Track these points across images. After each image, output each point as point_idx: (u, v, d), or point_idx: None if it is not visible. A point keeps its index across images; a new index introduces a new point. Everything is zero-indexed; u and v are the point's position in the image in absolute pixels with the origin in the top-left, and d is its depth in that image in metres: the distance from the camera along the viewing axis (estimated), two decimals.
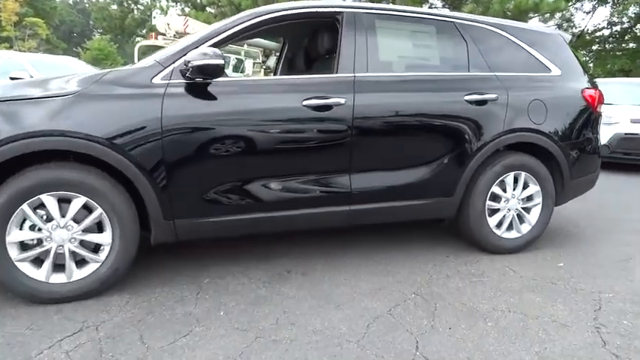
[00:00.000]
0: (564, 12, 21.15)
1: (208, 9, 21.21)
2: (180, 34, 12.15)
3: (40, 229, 2.22)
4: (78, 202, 2.24)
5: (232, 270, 2.77)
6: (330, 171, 2.69)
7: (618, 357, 1.96)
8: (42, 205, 2.21)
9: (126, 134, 2.26)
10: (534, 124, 3.05)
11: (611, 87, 7.13)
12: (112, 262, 2.34)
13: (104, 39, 29.77)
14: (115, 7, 37.13)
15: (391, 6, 3.45)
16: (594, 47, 23.79)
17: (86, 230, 2.30)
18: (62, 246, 2.26)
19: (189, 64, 2.32)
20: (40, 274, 2.25)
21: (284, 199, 2.62)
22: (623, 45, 21.08)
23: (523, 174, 3.09)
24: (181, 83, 2.40)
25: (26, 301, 2.27)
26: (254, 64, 14.11)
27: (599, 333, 2.14)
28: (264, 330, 2.11)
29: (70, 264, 2.28)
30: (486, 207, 3.03)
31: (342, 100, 2.62)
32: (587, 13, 23.12)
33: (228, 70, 12.02)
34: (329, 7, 2.84)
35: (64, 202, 2.24)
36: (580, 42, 21.64)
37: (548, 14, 18.12)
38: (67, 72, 5.27)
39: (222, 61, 2.33)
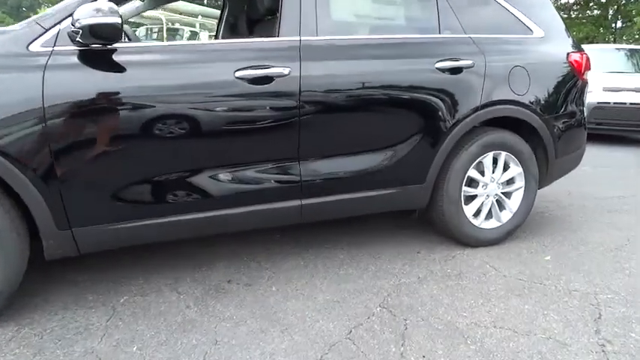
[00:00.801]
0: None
1: None
2: None
3: None
4: None
5: (159, 283, 2.25)
6: (273, 159, 2.17)
7: None
8: None
9: None
10: (516, 95, 2.59)
11: None
12: None
13: None
14: None
15: None
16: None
17: None
18: None
19: (77, 24, 1.74)
20: None
21: (216, 197, 2.10)
22: (587, 12, 20.90)
23: (503, 154, 2.64)
24: (72, 51, 1.82)
25: None
26: (210, 36, 13.16)
27: (605, 353, 1.74)
28: None
29: None
30: (462, 194, 2.59)
31: (286, 71, 2.09)
32: None
33: None
34: None
35: None
36: None
37: None
38: None
39: (118, 20, 1.75)
